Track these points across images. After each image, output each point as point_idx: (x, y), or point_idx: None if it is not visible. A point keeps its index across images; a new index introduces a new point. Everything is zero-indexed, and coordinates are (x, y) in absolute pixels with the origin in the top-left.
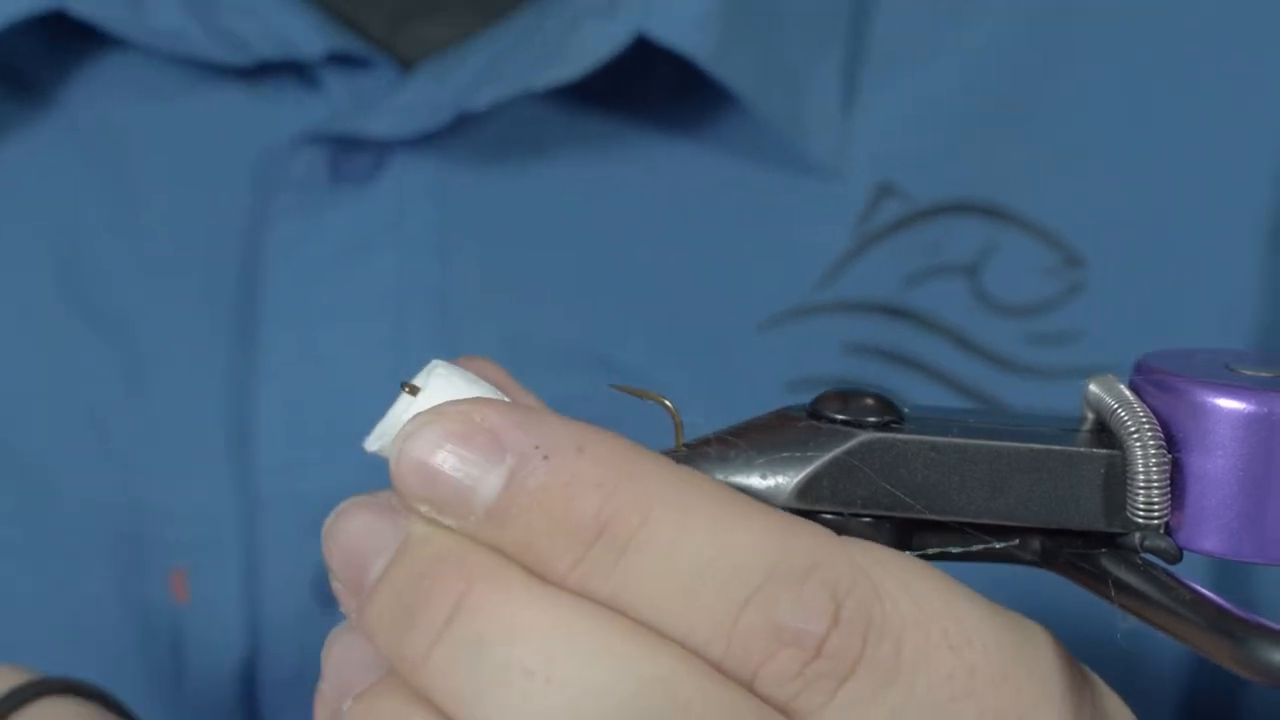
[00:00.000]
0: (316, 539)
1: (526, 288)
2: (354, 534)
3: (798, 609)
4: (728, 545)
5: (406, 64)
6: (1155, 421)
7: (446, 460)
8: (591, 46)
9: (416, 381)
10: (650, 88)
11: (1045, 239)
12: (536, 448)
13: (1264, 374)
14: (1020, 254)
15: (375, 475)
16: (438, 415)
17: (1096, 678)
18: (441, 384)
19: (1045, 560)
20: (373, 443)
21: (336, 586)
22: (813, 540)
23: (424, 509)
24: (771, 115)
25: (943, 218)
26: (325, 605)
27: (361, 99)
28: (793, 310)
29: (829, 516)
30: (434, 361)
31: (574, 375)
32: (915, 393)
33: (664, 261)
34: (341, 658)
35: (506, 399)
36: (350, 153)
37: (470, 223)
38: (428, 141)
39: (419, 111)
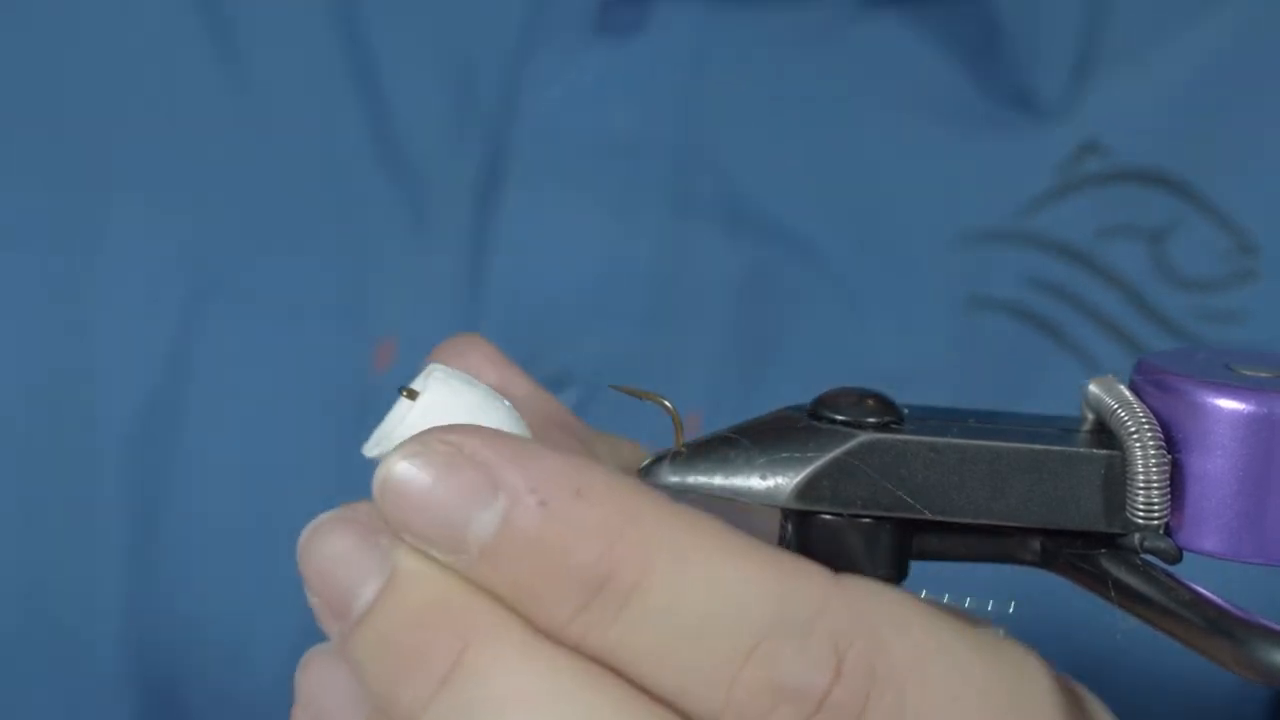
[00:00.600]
0: (535, 350)
1: (747, 155)
2: (333, 556)
3: (799, 663)
4: (730, 595)
5: None
6: (1155, 422)
7: (434, 494)
8: None
9: (415, 385)
10: None
11: (1225, 223)
12: (532, 490)
13: (1264, 374)
14: (1201, 232)
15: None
16: (424, 445)
17: (1083, 690)
18: (440, 388)
19: (1045, 560)
20: (371, 449)
21: (314, 602)
22: (814, 586)
23: (411, 539)
24: (1017, 31)
25: (1138, 184)
26: None
27: None
28: (986, 232)
29: (829, 516)
30: (432, 365)
31: (758, 248)
32: (1087, 340)
33: (877, 153)
34: (319, 683)
35: (506, 402)
36: (619, 1)
37: (713, 83)
38: None
39: None
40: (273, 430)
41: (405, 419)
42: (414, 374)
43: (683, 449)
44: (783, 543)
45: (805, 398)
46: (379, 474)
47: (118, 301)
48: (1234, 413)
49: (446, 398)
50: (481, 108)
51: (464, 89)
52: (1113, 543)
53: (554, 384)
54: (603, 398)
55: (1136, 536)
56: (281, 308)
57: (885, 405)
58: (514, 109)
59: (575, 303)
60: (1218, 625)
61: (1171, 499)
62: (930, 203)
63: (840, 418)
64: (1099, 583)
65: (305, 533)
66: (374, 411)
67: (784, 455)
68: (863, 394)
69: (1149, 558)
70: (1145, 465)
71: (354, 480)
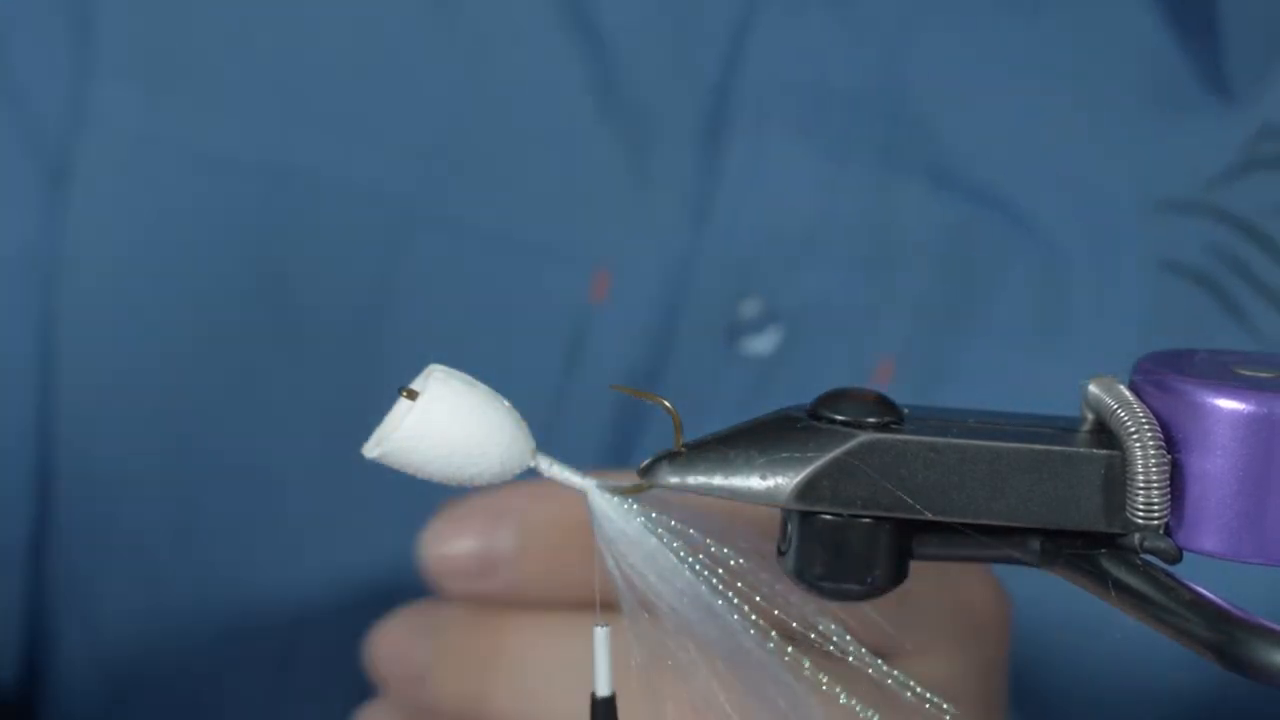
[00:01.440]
0: (747, 286)
1: (954, 114)
2: None
3: None
4: None
5: None
6: (1155, 422)
7: None
8: None
9: (415, 385)
10: None
11: None
12: None
13: (1264, 374)
14: None
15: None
16: None
17: None
18: (440, 388)
19: (1045, 560)
20: (372, 449)
21: None
22: None
23: None
24: (1232, 18)
25: None
26: (732, 343)
27: None
28: (1178, 201)
29: (829, 516)
30: (431, 365)
31: (962, 204)
32: (1255, 314)
33: (1077, 121)
34: None
35: (506, 403)
36: None
37: (926, 41)
38: None
39: None
40: (480, 356)
41: (405, 419)
42: (628, 306)
43: (683, 449)
44: (783, 543)
45: (1005, 353)
46: None
47: (325, 221)
48: (1234, 413)
49: (446, 397)
50: (702, 58)
51: (683, 39)
52: (1113, 543)
53: (762, 321)
54: (805, 339)
55: (1136, 536)
56: (492, 237)
57: (885, 405)
58: (740, 59)
59: (787, 244)
60: (1217, 626)
61: (1171, 499)
62: (1125, 173)
63: (840, 418)
64: (1099, 583)
65: None
66: (590, 342)
67: (784, 455)
68: (863, 394)
69: (1149, 558)
70: (1145, 465)
71: (566, 407)
